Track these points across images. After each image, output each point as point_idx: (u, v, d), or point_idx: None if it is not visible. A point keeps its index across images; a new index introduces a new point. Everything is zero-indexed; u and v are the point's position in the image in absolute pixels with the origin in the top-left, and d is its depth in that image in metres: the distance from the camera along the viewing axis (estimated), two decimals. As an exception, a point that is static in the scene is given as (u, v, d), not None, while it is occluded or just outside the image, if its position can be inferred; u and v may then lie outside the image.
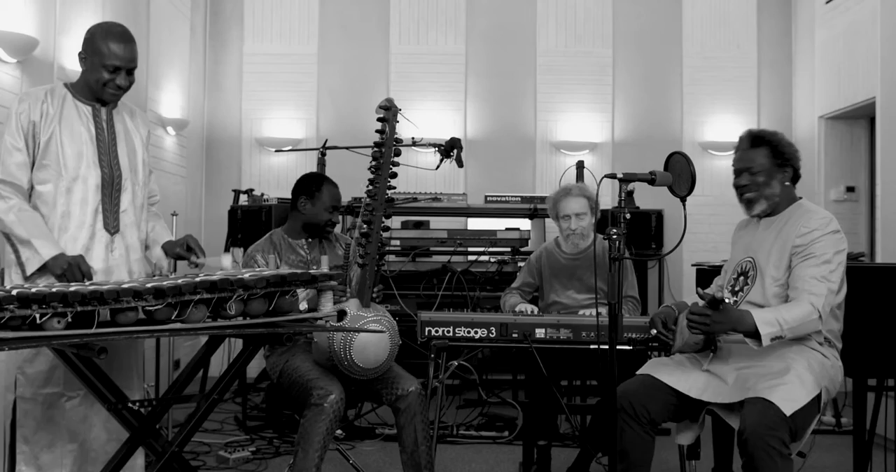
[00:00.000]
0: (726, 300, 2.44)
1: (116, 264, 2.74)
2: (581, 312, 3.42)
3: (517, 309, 3.47)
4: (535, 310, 3.45)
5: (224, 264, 2.65)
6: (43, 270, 2.57)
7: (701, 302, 2.53)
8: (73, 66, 4.25)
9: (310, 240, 3.36)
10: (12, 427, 2.80)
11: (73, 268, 2.52)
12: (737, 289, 2.73)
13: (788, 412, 2.32)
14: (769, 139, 2.69)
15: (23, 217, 2.59)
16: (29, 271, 2.57)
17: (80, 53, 2.72)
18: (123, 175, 2.77)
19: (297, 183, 3.36)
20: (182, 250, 2.80)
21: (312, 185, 3.30)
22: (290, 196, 3.38)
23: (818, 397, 2.45)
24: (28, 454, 2.65)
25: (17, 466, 2.66)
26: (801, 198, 2.74)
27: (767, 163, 2.66)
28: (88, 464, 2.71)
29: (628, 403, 2.57)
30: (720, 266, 3.12)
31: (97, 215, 2.71)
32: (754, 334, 2.41)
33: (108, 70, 2.66)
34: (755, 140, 2.70)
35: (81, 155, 2.69)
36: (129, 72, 2.72)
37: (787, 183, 2.70)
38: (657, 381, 2.62)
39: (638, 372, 2.71)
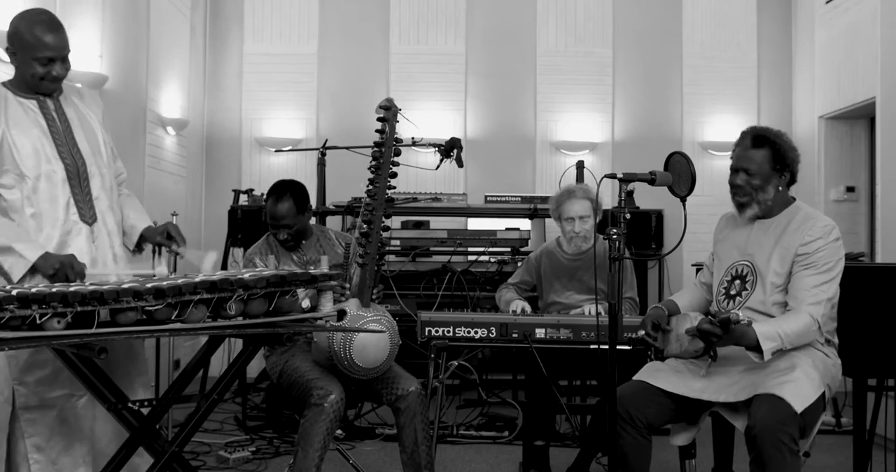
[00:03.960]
0: (742, 321, 2.39)
1: (101, 253, 2.65)
2: (576, 311, 3.40)
3: (511, 308, 3.44)
4: (529, 309, 3.44)
5: (205, 264, 2.60)
6: (31, 273, 2.46)
7: (705, 317, 2.51)
8: (78, 66, 4.24)
9: (304, 242, 3.34)
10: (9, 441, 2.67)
11: (65, 267, 2.43)
12: (732, 293, 2.70)
13: (799, 408, 2.32)
14: (772, 140, 2.61)
15: None
16: (16, 278, 2.46)
17: (7, 49, 2.54)
18: (88, 161, 2.65)
19: None
20: (162, 238, 2.71)
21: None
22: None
23: (823, 395, 2.46)
24: (44, 462, 2.56)
25: None
26: (794, 199, 2.71)
27: (767, 166, 2.60)
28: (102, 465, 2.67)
29: (624, 409, 2.56)
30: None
31: (69, 209, 2.60)
32: (755, 348, 2.42)
33: (41, 63, 2.50)
34: (758, 140, 2.63)
35: (39, 152, 2.56)
36: (64, 59, 2.55)
37: (782, 188, 2.65)
38: (653, 386, 2.62)
39: (634, 378, 2.70)
